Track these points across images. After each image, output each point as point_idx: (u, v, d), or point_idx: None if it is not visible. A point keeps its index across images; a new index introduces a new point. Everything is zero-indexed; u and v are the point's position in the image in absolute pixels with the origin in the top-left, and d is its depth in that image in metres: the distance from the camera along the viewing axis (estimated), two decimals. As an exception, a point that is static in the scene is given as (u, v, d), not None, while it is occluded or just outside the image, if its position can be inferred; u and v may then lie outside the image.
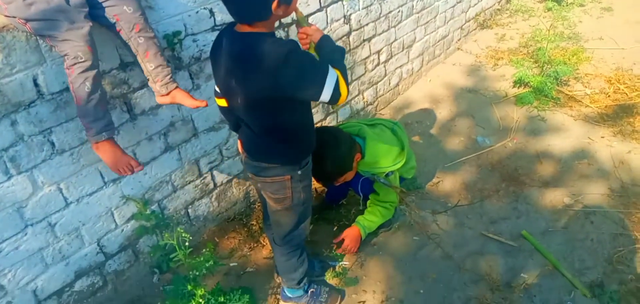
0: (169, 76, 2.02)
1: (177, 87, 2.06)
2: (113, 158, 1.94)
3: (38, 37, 1.77)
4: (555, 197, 2.91)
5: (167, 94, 2.05)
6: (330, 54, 1.77)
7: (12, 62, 1.76)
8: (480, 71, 4.32)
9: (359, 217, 2.62)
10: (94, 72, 1.72)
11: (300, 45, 1.78)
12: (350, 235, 2.55)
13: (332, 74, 1.65)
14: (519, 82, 3.98)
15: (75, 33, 1.65)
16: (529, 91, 3.86)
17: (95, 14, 1.76)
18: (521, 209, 2.85)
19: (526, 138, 3.45)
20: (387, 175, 2.56)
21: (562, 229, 2.69)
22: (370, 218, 2.60)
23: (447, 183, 3.12)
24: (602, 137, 3.36)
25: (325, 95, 1.65)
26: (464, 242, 2.68)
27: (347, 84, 1.71)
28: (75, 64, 1.67)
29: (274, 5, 1.56)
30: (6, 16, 1.66)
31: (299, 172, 1.92)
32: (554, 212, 2.81)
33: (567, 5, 5.23)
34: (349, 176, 2.51)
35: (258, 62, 1.59)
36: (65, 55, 1.68)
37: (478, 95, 4.01)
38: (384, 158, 2.53)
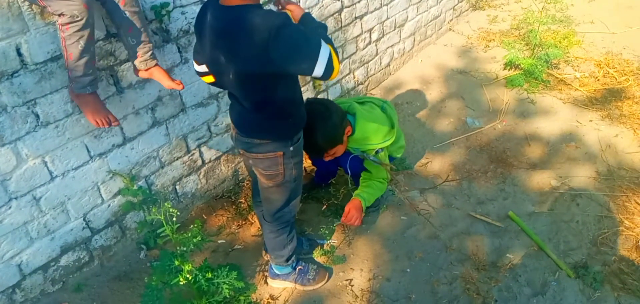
0: (149, 53, 2.00)
1: (156, 64, 2.04)
2: (93, 110, 1.95)
3: (27, 2, 1.72)
4: (542, 179, 2.93)
5: (146, 70, 2.03)
6: (315, 31, 1.75)
7: (-7, 30, 1.71)
8: (472, 53, 4.31)
9: (357, 191, 2.61)
10: (88, 30, 1.71)
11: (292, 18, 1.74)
12: (353, 206, 2.53)
13: (325, 49, 1.63)
14: (509, 65, 3.98)
15: None
16: (519, 74, 3.87)
17: None
18: (508, 190, 2.87)
19: (515, 120, 3.46)
20: (376, 152, 2.56)
21: (548, 211, 2.72)
22: (367, 190, 2.59)
23: (435, 164, 3.13)
24: (590, 120, 3.38)
25: (319, 69, 1.63)
26: (451, 222, 2.69)
27: (339, 59, 1.70)
28: (70, 23, 1.64)
29: None
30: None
31: (291, 148, 1.91)
32: (541, 194, 2.83)
33: (560, -12, 5.22)
34: (339, 150, 2.50)
35: (249, 35, 1.56)
36: (61, 14, 1.64)
37: (468, 77, 4.01)
38: (374, 135, 2.52)
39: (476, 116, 3.55)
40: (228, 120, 2.77)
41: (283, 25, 1.54)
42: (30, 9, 1.76)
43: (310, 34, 1.67)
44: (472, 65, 4.14)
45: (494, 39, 4.44)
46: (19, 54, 1.80)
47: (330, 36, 1.83)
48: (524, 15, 4.68)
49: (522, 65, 3.87)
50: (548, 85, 3.76)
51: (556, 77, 3.83)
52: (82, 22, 1.66)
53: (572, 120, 3.40)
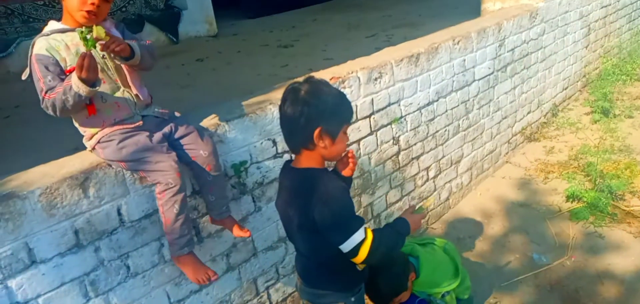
0: (225, 207, 2.21)
1: (229, 216, 2.24)
2: (193, 269, 2.08)
3: (131, 172, 1.99)
4: (622, 322, 2.78)
5: (220, 221, 2.23)
6: (388, 235, 1.84)
7: (101, 195, 1.96)
8: (531, 185, 4.32)
9: None
10: (182, 195, 1.92)
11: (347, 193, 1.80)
12: None
13: (360, 234, 1.69)
14: (572, 197, 3.93)
15: (165, 164, 1.86)
16: (583, 206, 3.80)
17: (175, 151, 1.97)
18: (586, 334, 2.73)
19: (584, 256, 3.36)
20: (443, 296, 2.55)
21: (633, 359, 2.54)
22: None
23: (504, 304, 3.04)
24: (667, 256, 3.23)
25: (345, 246, 1.69)
26: None
27: (375, 255, 1.72)
28: (166, 189, 1.87)
29: (316, 133, 1.63)
30: (103, 158, 1.89)
31: (353, 298, 1.95)
32: (623, 339, 2.67)
33: (615, 117, 5.23)
34: (404, 296, 2.51)
35: (309, 195, 1.69)
36: (157, 183, 1.87)
37: (530, 209, 3.98)
38: (440, 278, 2.53)
39: (542, 251, 3.47)
40: (294, 262, 2.88)
41: (335, 198, 1.67)
42: (132, 177, 2.02)
43: (354, 217, 1.73)
44: (532, 198, 4.12)
45: (552, 171, 4.43)
46: (119, 213, 2.04)
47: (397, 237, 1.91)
48: (581, 147, 4.68)
49: (585, 198, 3.81)
50: (615, 218, 3.66)
51: (623, 210, 3.74)
52: (176, 188, 1.89)
53: (647, 255, 3.26)
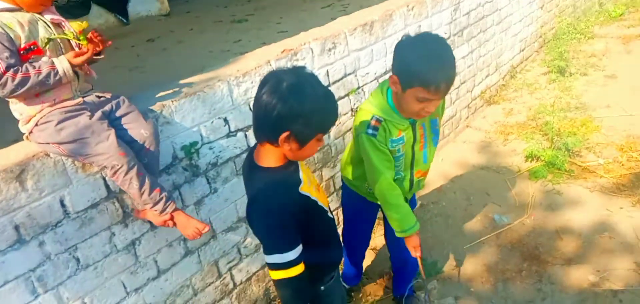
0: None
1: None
2: (181, 225, 2.08)
3: (70, 159, 1.88)
4: (580, 275, 2.85)
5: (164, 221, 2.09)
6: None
7: (41, 187, 1.86)
8: (491, 147, 4.37)
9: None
10: (134, 170, 1.83)
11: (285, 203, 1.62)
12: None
13: (285, 258, 1.56)
14: (530, 157, 4.00)
15: (104, 145, 1.77)
16: (541, 165, 3.88)
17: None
18: (546, 289, 2.79)
19: (544, 214, 3.43)
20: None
21: (590, 309, 2.62)
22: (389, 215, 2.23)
23: (467, 266, 3.08)
24: (621, 208, 3.32)
25: (268, 259, 1.59)
26: (490, 329, 2.61)
27: (285, 290, 1.63)
28: (115, 171, 1.79)
29: (282, 136, 1.49)
30: (39, 143, 1.78)
31: (322, 287, 1.88)
32: (580, 292, 2.74)
33: (571, 76, 5.33)
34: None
35: (253, 199, 1.62)
36: (104, 167, 1.78)
37: (491, 172, 4.03)
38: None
39: (503, 211, 3.53)
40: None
41: (272, 212, 1.55)
42: (73, 165, 1.91)
43: (290, 238, 1.58)
44: (493, 160, 4.18)
45: (512, 132, 4.50)
46: (63, 205, 1.94)
47: None
48: (539, 107, 4.75)
49: (543, 157, 3.89)
50: (572, 174, 3.74)
51: (579, 166, 3.83)
52: (125, 167, 1.80)
53: (602, 209, 3.35)
